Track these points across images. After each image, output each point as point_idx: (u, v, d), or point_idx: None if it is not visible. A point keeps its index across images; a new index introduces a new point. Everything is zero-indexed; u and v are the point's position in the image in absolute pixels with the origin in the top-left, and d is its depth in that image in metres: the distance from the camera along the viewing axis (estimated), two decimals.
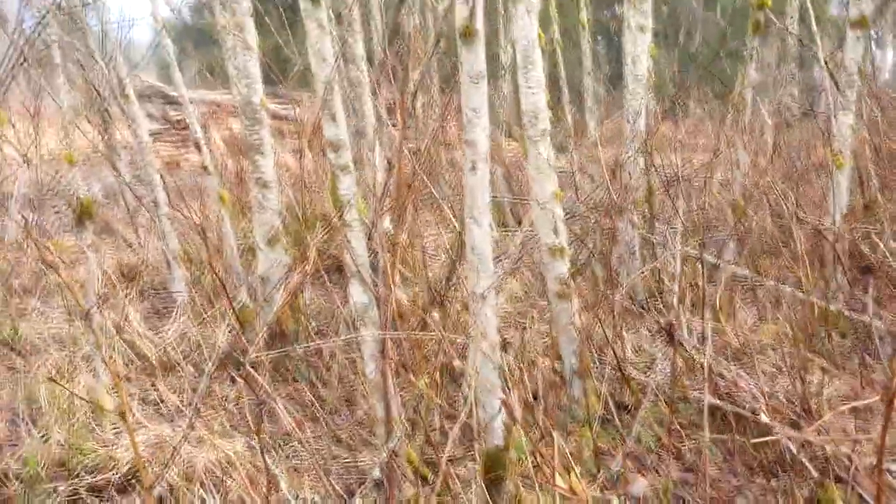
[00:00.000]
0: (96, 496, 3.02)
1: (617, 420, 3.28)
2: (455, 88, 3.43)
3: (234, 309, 3.54)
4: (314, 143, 4.57)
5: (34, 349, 3.91)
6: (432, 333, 2.71)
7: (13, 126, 3.50)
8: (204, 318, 4.33)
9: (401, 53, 3.98)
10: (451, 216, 3.75)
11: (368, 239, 2.63)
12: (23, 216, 3.79)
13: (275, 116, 4.41)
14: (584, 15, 8.52)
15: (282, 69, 4.53)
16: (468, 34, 2.60)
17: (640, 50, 4.73)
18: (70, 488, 3.03)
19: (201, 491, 2.77)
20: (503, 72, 6.33)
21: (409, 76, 3.31)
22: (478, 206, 2.62)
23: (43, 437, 3.27)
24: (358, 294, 2.62)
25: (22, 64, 2.83)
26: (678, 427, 3.35)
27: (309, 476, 2.80)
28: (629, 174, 4.55)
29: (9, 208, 3.64)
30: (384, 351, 2.42)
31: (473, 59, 2.58)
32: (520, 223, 3.38)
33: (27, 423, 3.36)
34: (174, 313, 4.50)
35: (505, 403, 2.49)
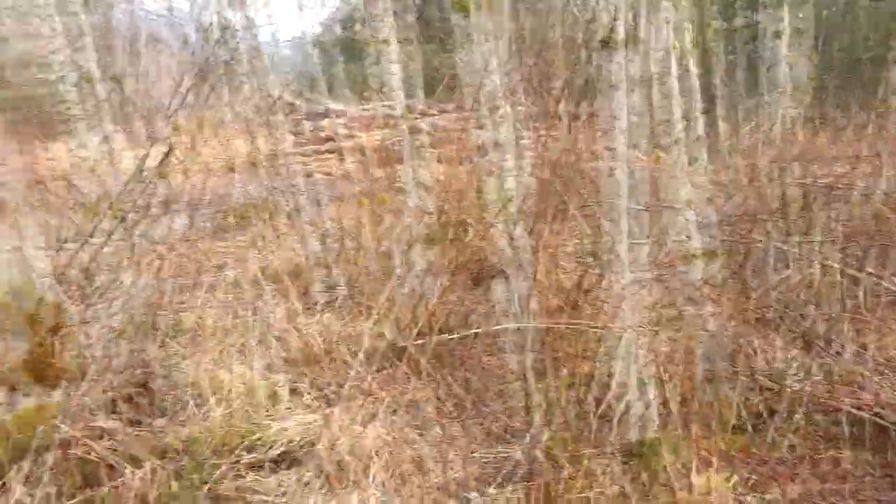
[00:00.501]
0: (253, 472, 3.29)
1: (750, 427, 3.28)
2: (594, 97, 3.54)
3: (376, 306, 3.77)
4: (458, 150, 4.78)
5: (196, 339, 4.27)
6: (576, 324, 2.82)
7: (182, 136, 3.87)
8: (345, 316, 4.60)
9: (542, 62, 4.14)
10: (585, 222, 3.85)
11: (511, 239, 2.77)
12: (188, 218, 4.19)
13: (417, 128, 4.65)
14: (719, 22, 8.39)
15: (430, 80, 4.77)
16: (610, 43, 2.71)
17: (777, 57, 4.69)
18: (230, 464, 3.32)
19: (354, 470, 2.98)
20: (640, 80, 6.33)
21: (551, 84, 3.46)
22: (615, 209, 2.73)
23: (206, 418, 3.58)
24: (501, 290, 2.77)
25: (200, 81, 3.17)
26: (816, 437, 3.31)
27: (452, 464, 2.96)
28: (766, 183, 4.51)
29: (175, 212, 4.03)
30: (526, 344, 2.56)
31: (614, 68, 2.69)
32: (654, 230, 3.44)
33: (192, 406, 3.69)
34: (318, 311, 4.81)
35: (644, 401, 2.58)
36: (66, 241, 3.49)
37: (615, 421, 2.74)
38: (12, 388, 3.21)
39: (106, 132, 3.91)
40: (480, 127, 3.20)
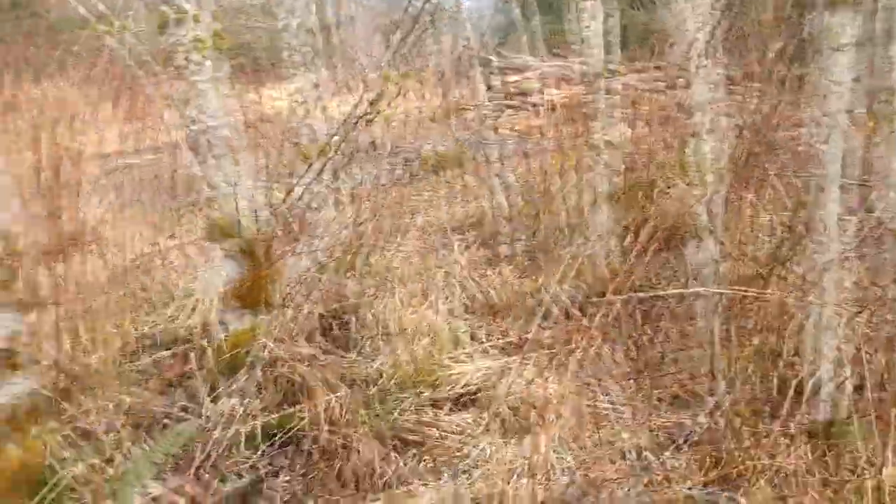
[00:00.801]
0: (433, 410, 3.47)
1: None
2: (804, 58, 3.35)
3: (560, 262, 3.82)
4: (649, 109, 4.69)
5: (386, 281, 4.51)
6: (772, 295, 2.75)
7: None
8: (527, 269, 4.69)
9: (748, 20, 3.96)
10: (785, 191, 3.69)
11: (706, 203, 2.72)
12: (387, 165, 4.42)
13: (610, 86, 4.59)
14: None
15: (624, 36, 4.69)
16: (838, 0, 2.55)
17: None
18: (412, 400, 3.52)
19: (529, 419, 3.09)
20: (862, 42, 5.84)
21: (757, 44, 3.31)
22: (827, 177, 2.60)
23: (392, 355, 3.80)
24: (692, 254, 2.73)
25: (407, 34, 3.31)
26: None
27: (628, 422, 2.99)
28: None
29: (375, 158, 4.25)
30: (715, 310, 2.52)
31: (840, 28, 2.54)
32: (863, 203, 3.24)
33: (380, 342, 3.93)
34: (500, 263, 4.93)
35: (838, 381, 2.47)
36: (278, 180, 3.80)
37: (804, 398, 2.65)
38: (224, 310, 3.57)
39: (317, 79, 4.17)
40: (676, 87, 3.13)
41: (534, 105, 6.34)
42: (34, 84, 7.09)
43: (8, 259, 2.48)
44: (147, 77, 3.55)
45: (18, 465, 2.54)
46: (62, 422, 2.81)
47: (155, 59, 3.47)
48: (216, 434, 2.90)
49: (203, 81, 3.18)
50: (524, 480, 2.71)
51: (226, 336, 3.45)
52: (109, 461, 2.75)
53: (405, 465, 2.98)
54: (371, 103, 3.29)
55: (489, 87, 6.10)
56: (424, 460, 3.05)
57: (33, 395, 2.58)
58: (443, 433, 3.24)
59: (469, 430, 3.25)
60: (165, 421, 3.18)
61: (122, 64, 4.01)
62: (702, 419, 2.71)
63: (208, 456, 2.87)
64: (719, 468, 2.64)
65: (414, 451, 3.12)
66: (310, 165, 3.53)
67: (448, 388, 3.59)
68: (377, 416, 3.29)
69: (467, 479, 2.89)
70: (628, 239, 3.66)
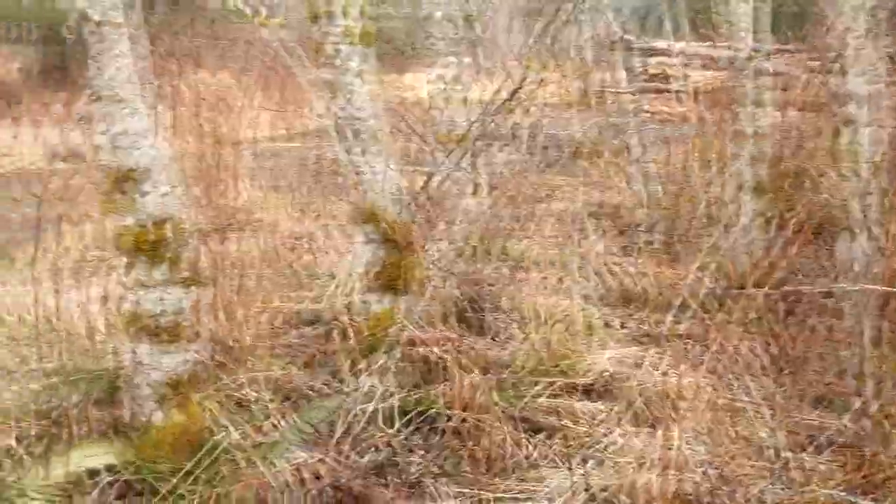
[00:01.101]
0: (564, 397, 3.49)
1: None
2: None
3: (700, 252, 3.74)
4: (801, 95, 4.49)
5: (522, 266, 4.56)
6: None
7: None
8: (664, 259, 4.61)
9: None
10: None
11: (862, 195, 2.59)
12: (525, 152, 4.44)
13: (759, 70, 4.41)
14: None
15: (775, 17, 4.47)
16: None
17: None
18: (545, 386, 3.55)
19: (663, 410, 3.06)
20: None
21: None
22: None
23: (526, 340, 3.84)
24: (844, 248, 2.62)
25: (550, 21, 3.32)
26: None
27: (766, 420, 2.90)
28: None
29: (514, 145, 4.29)
30: (866, 308, 2.41)
31: None
32: None
33: (514, 328, 3.98)
34: (637, 251, 4.86)
35: None
36: (420, 166, 3.91)
37: None
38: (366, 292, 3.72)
39: (458, 66, 4.26)
40: (832, 72, 2.97)
41: (676, 90, 6.17)
42: (195, 73, 7.56)
43: (174, 240, 2.70)
44: (297, 66, 3.72)
45: (181, 429, 2.78)
46: (219, 391, 3.03)
47: (305, 50, 3.64)
48: (356, 410, 3.04)
49: (350, 72, 3.32)
50: (655, 472, 2.68)
51: (367, 317, 3.59)
52: (260, 429, 2.95)
53: (535, 449, 3.02)
54: (512, 91, 3.33)
55: (630, 72, 5.99)
56: (555, 446, 3.07)
57: (195, 366, 2.80)
58: (574, 420, 3.25)
59: (600, 419, 3.24)
60: (309, 394, 3.37)
61: (274, 54, 4.22)
62: (847, 421, 2.59)
63: (348, 430, 3.01)
64: (863, 472, 2.53)
65: (544, 436, 3.15)
66: (450, 152, 3.61)
67: (581, 375, 3.60)
68: (510, 400, 3.34)
69: (597, 467, 2.90)
70: (772, 231, 3.53)
